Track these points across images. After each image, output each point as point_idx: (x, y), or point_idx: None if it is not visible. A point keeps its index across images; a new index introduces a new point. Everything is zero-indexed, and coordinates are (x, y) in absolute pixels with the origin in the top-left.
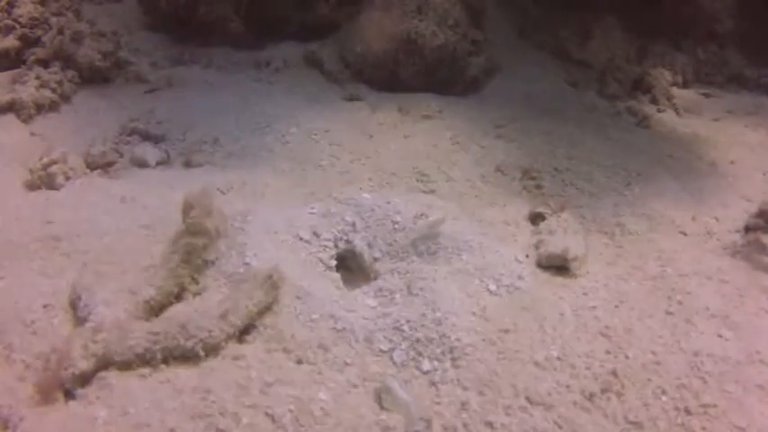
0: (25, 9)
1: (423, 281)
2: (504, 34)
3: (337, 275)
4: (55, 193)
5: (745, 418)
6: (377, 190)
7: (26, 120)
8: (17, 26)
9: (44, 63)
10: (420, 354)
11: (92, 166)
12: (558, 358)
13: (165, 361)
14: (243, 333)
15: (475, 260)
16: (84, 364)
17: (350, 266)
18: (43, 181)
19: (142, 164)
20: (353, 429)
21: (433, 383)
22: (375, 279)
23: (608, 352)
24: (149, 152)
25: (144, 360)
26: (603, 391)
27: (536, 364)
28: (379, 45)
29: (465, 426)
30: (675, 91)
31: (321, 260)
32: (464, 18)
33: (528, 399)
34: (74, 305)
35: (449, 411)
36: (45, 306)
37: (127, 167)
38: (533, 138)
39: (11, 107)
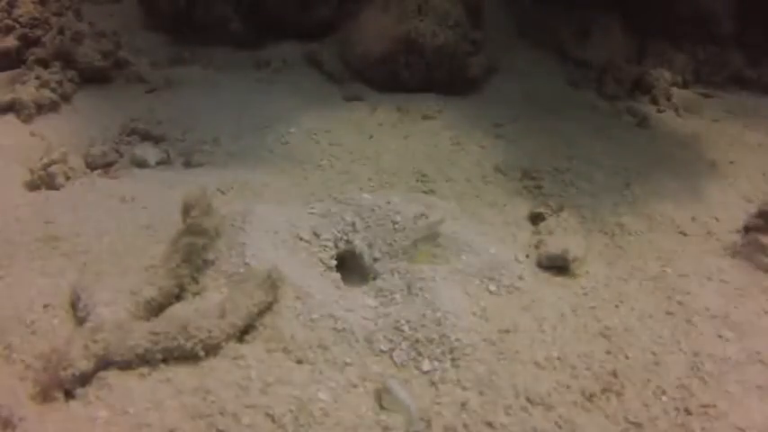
0: (25, 9)
1: (423, 281)
2: (504, 34)
3: (337, 275)
4: (55, 193)
5: (745, 418)
6: (377, 190)
7: (26, 120)
8: (17, 26)
9: (44, 63)
10: (420, 354)
11: (92, 166)
12: (558, 358)
13: (165, 361)
14: (243, 333)
15: (475, 260)
16: (84, 364)
17: (350, 266)
18: (43, 181)
19: (142, 164)
20: (353, 429)
21: (433, 383)
22: (375, 279)
23: (608, 352)
24: (149, 152)
25: (144, 360)
26: (603, 391)
27: (536, 364)
28: (379, 45)
29: (465, 426)
30: (675, 91)
31: (321, 260)
32: (464, 18)
33: (528, 399)
34: (74, 305)
35: (449, 411)
36: (45, 306)
37: (127, 167)
38: (533, 138)
39: (11, 107)
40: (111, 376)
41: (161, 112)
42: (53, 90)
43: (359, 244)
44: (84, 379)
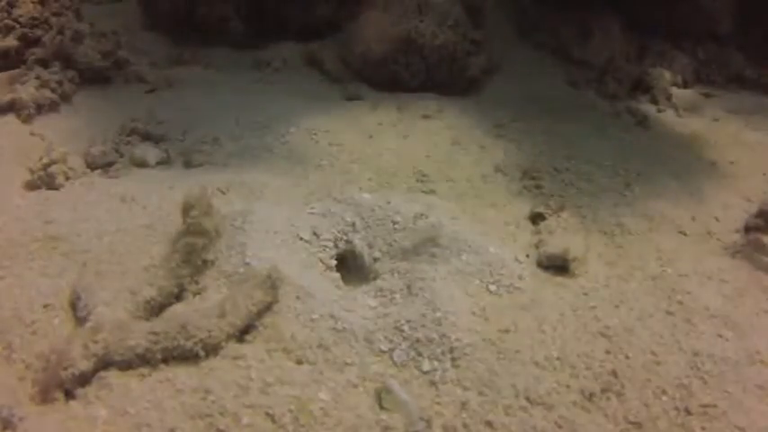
0: (25, 9)
1: (423, 281)
2: (504, 34)
3: (337, 275)
4: (55, 193)
5: (745, 418)
6: (377, 190)
7: (26, 120)
8: (17, 26)
9: (44, 63)
10: (420, 354)
11: (92, 166)
12: (558, 358)
13: (165, 361)
14: (243, 333)
15: (475, 260)
16: (84, 364)
17: (350, 266)
18: (43, 181)
19: (142, 164)
20: (353, 429)
21: (433, 383)
22: (375, 279)
23: (608, 352)
24: (149, 152)
25: (144, 360)
26: (603, 391)
27: (536, 364)
28: (379, 45)
29: (465, 426)
30: (675, 91)
31: (321, 260)
32: (464, 18)
33: (528, 399)
34: (74, 305)
35: (449, 411)
36: (45, 306)
37: (127, 167)
38: (533, 137)
39: (11, 107)
40: (111, 376)
41: (161, 112)
42: (53, 90)
43: (359, 244)
44: (84, 379)
